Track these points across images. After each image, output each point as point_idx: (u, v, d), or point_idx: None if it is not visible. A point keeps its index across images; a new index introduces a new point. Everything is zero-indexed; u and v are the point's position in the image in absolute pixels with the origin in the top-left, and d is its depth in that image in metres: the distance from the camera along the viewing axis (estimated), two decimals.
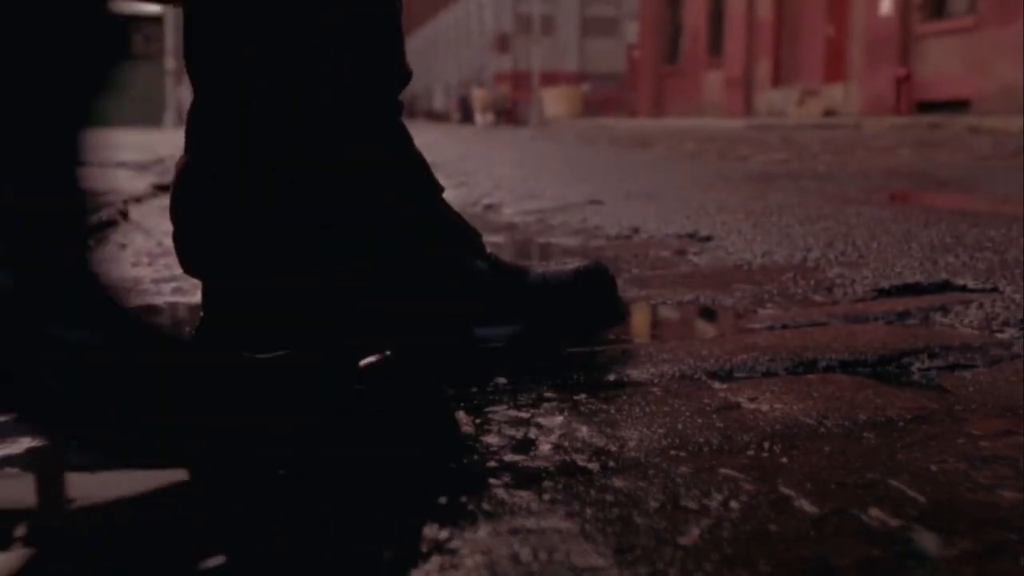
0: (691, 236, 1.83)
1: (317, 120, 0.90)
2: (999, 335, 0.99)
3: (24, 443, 0.72)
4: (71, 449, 0.72)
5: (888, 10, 16.85)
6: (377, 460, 0.68)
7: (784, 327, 1.05)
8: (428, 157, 3.35)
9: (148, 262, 1.78)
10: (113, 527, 0.59)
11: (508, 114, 31.93)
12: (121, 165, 4.96)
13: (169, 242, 2.03)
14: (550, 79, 32.49)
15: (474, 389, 0.83)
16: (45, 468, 0.70)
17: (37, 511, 0.63)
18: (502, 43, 40.01)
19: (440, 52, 56.03)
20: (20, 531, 0.57)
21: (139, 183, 3.62)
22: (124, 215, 2.52)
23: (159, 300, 1.39)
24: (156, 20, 29.58)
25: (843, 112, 18.12)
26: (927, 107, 16.00)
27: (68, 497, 0.66)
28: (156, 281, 1.55)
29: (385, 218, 0.93)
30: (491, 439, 0.70)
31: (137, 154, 6.19)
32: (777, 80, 21.28)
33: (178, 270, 1.68)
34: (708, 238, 1.77)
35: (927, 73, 16.19)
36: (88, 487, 0.66)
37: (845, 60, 18.72)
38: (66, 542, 0.56)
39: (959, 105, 15.19)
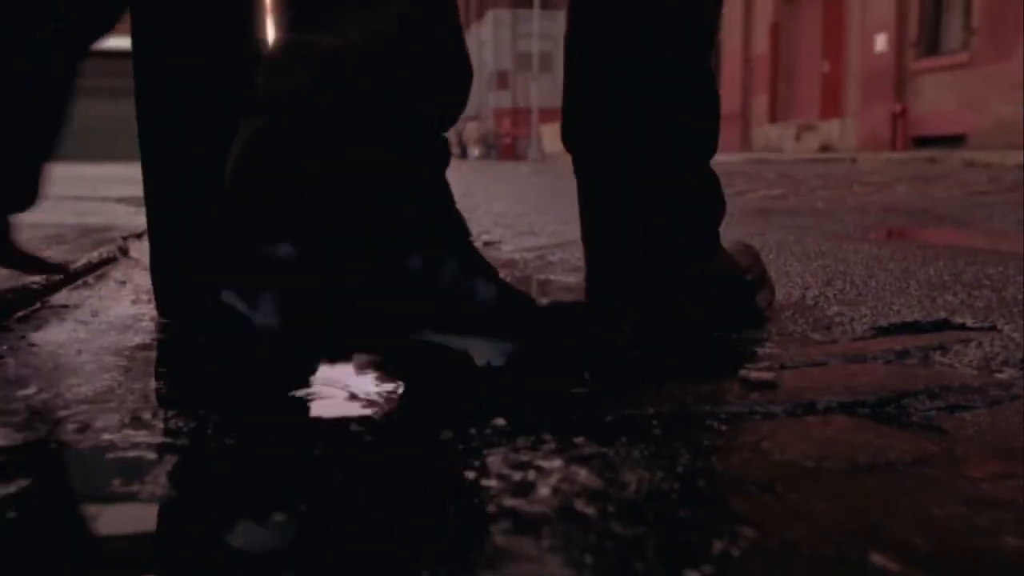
0: None
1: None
2: (998, 375, 0.99)
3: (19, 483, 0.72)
4: None
5: (883, 47, 17.03)
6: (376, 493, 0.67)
7: (783, 367, 1.05)
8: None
9: (148, 299, 1.78)
10: None
11: (506, 149, 32.27)
12: (121, 200, 4.98)
13: None
14: (549, 115, 32.68)
15: (472, 431, 0.83)
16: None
17: None
18: (502, 80, 40.34)
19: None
20: None
21: (139, 219, 3.63)
22: (124, 251, 2.53)
23: (157, 339, 1.39)
24: None
25: (840, 147, 18.24)
26: (923, 142, 16.11)
27: None
28: (155, 319, 1.55)
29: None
30: (489, 482, 0.70)
31: (138, 189, 6.21)
32: (774, 116, 21.44)
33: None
34: None
35: (923, 109, 16.32)
36: None
37: (841, 96, 18.88)
38: None
39: (955, 140, 15.30)
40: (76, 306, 1.67)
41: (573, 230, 2.74)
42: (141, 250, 2.67)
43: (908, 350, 1.10)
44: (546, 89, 33.92)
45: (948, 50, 16.01)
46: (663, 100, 1.25)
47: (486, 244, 2.63)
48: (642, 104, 1.25)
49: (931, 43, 16.37)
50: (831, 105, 19.46)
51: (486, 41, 43.75)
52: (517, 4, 34.24)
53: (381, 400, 0.95)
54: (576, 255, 2.22)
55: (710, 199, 1.38)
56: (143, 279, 2.09)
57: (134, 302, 1.74)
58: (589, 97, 1.28)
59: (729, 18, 22.12)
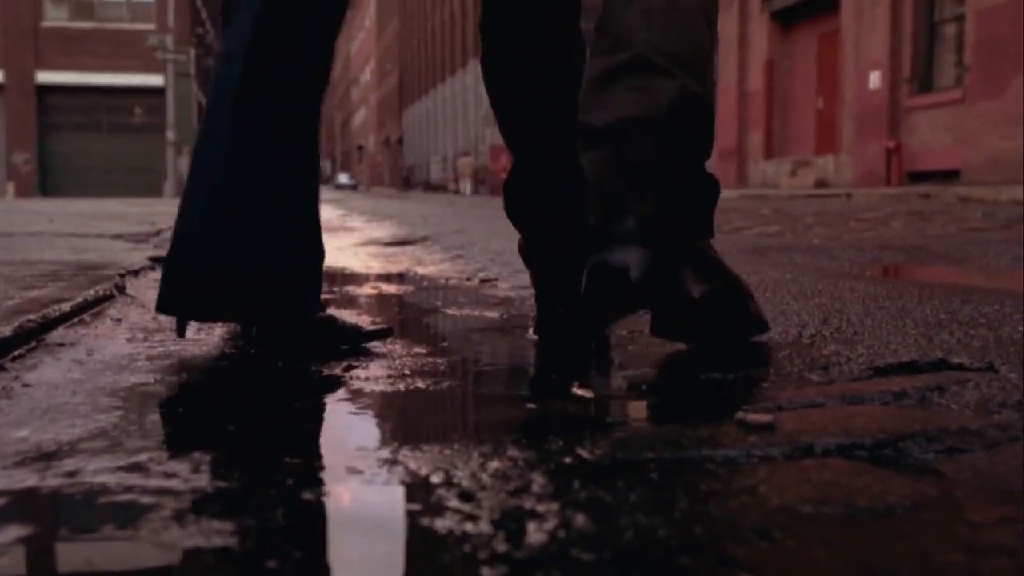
0: None
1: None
2: (996, 417, 0.99)
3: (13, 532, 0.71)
4: None
5: (877, 84, 17.17)
6: None
7: (780, 408, 1.05)
8: (425, 230, 3.42)
9: (143, 338, 1.78)
10: None
11: (501, 183, 32.34)
12: (118, 237, 4.99)
13: (164, 317, 2.03)
14: None
15: (464, 475, 0.82)
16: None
17: None
18: None
19: (438, 125, 56.72)
20: None
21: (136, 256, 3.63)
22: (120, 288, 2.52)
23: (153, 378, 1.38)
24: (158, 92, 30.00)
25: (835, 183, 18.33)
26: (918, 177, 16.21)
27: None
28: (151, 358, 1.54)
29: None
30: (483, 527, 0.69)
31: (135, 226, 6.22)
32: (769, 152, 21.57)
33: (173, 346, 1.68)
34: None
35: (917, 144, 16.43)
36: None
37: (836, 132, 19.01)
38: None
39: (949, 175, 15.39)
40: (72, 344, 1.67)
41: None
42: (138, 287, 2.67)
43: (905, 391, 1.10)
44: None
45: (941, 87, 16.16)
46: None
47: (483, 281, 2.63)
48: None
49: (924, 80, 16.52)
50: (826, 141, 19.58)
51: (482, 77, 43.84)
52: None
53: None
54: None
55: (710, 183, 1.67)
56: (139, 317, 2.08)
57: (129, 340, 1.74)
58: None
59: (724, 55, 22.32)
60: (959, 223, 5.06)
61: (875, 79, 17.16)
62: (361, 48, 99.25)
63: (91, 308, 2.14)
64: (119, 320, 2.01)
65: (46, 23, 32.43)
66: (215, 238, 1.57)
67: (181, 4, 30.91)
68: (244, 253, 1.56)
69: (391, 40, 75.97)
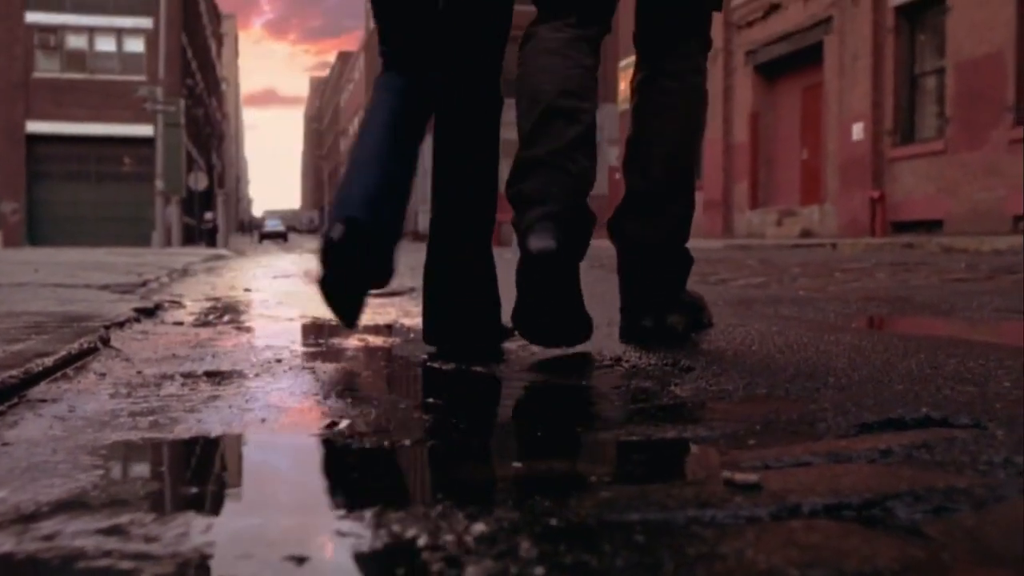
0: (673, 365, 1.83)
1: None
2: (984, 475, 0.98)
3: None
4: None
5: (860, 135, 17.40)
6: None
7: (767, 467, 1.04)
8: (412, 280, 3.39)
9: (127, 393, 1.76)
10: None
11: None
12: (105, 288, 4.97)
13: (149, 371, 2.01)
14: None
15: (450, 538, 0.81)
16: None
17: None
18: None
19: (426, 175, 56.93)
20: None
21: (122, 307, 3.61)
22: (105, 341, 2.51)
23: (135, 436, 1.37)
24: (147, 142, 30.13)
25: (820, 232, 18.48)
26: (901, 227, 16.36)
27: None
28: (134, 415, 1.53)
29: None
30: None
31: (122, 276, 6.20)
32: (755, 202, 21.76)
33: (156, 402, 1.67)
34: (690, 368, 1.77)
35: (900, 195, 16.61)
36: None
37: (821, 182, 19.20)
38: None
39: (932, 224, 15.55)
40: (54, 400, 1.65)
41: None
42: (122, 339, 2.66)
43: (892, 449, 1.10)
44: None
45: (923, 138, 16.38)
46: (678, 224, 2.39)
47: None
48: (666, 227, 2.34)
49: (906, 132, 16.75)
50: (811, 191, 19.77)
51: None
52: (506, 92, 34.92)
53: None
54: (562, 348, 2.22)
55: (688, 259, 2.38)
56: (123, 371, 2.07)
57: (112, 396, 1.72)
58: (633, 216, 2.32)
59: (710, 107, 22.50)
60: (943, 274, 5.10)
61: (858, 131, 17.39)
62: (351, 99, 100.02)
63: (75, 362, 2.13)
64: (103, 374, 2.00)
65: (37, 74, 32.64)
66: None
67: (172, 56, 31.19)
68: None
69: None
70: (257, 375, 1.96)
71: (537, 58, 2.14)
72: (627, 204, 2.29)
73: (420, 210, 51.88)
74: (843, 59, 17.83)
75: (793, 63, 20.31)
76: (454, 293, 2.24)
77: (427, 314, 2.29)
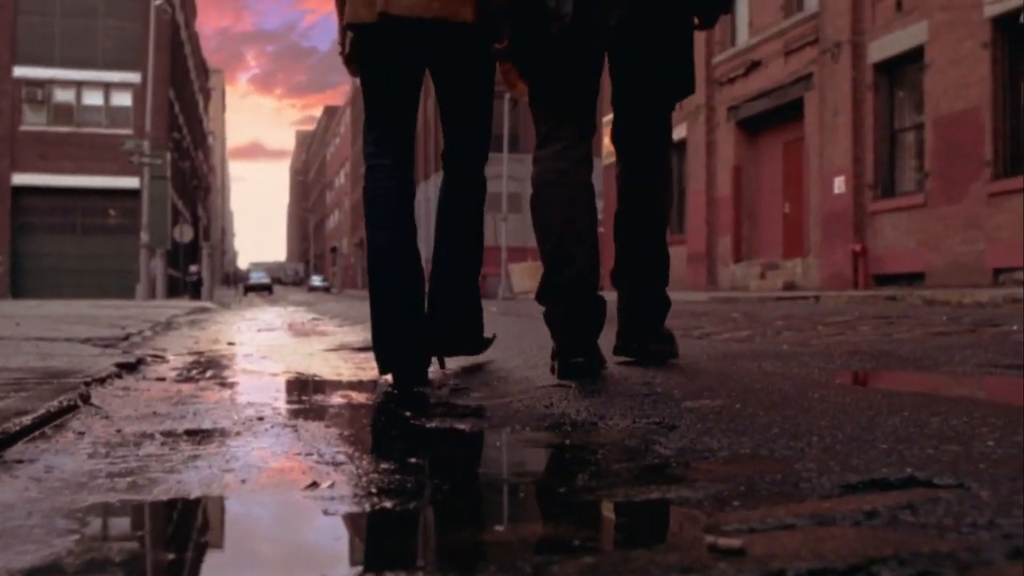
0: (657, 424, 1.82)
1: None
2: (968, 537, 0.98)
3: None
4: None
5: (841, 189, 17.61)
6: None
7: (752, 530, 1.03)
8: None
9: (106, 453, 1.74)
10: None
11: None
12: (87, 341, 4.93)
13: (128, 429, 1.99)
14: (518, 254, 33.18)
15: None
16: None
17: None
18: None
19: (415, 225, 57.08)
20: None
21: (104, 362, 3.58)
22: (85, 398, 2.48)
23: (113, 498, 1.35)
24: (133, 194, 30.14)
25: (804, 285, 18.59)
26: (884, 279, 16.49)
27: None
28: (112, 475, 1.51)
29: None
30: None
31: (105, 329, 6.16)
32: (739, 255, 21.91)
33: (135, 463, 1.65)
34: (673, 427, 1.76)
35: (882, 248, 16.77)
36: None
37: (803, 236, 19.38)
38: None
39: (914, 277, 15.68)
40: (31, 461, 1.63)
41: (540, 376, 2.74)
42: (103, 396, 2.63)
43: (877, 510, 1.09)
44: (515, 229, 34.54)
45: (903, 192, 16.59)
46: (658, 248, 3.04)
47: (453, 391, 2.61)
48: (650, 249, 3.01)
49: (887, 186, 16.96)
50: (794, 244, 19.94)
51: None
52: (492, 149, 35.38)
53: None
54: (543, 403, 2.21)
55: (667, 303, 3.05)
56: (102, 429, 2.04)
57: (91, 456, 1.70)
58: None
59: (693, 162, 22.86)
60: (925, 327, 5.13)
61: (839, 184, 17.61)
62: (336, 153, 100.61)
63: (53, 420, 2.10)
64: (82, 433, 1.97)
65: (24, 127, 32.75)
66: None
67: (159, 110, 31.36)
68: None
69: None
70: (239, 433, 1.94)
71: (545, 190, 2.76)
72: (620, 265, 3.03)
73: None
74: (823, 115, 18.10)
75: (775, 118, 20.61)
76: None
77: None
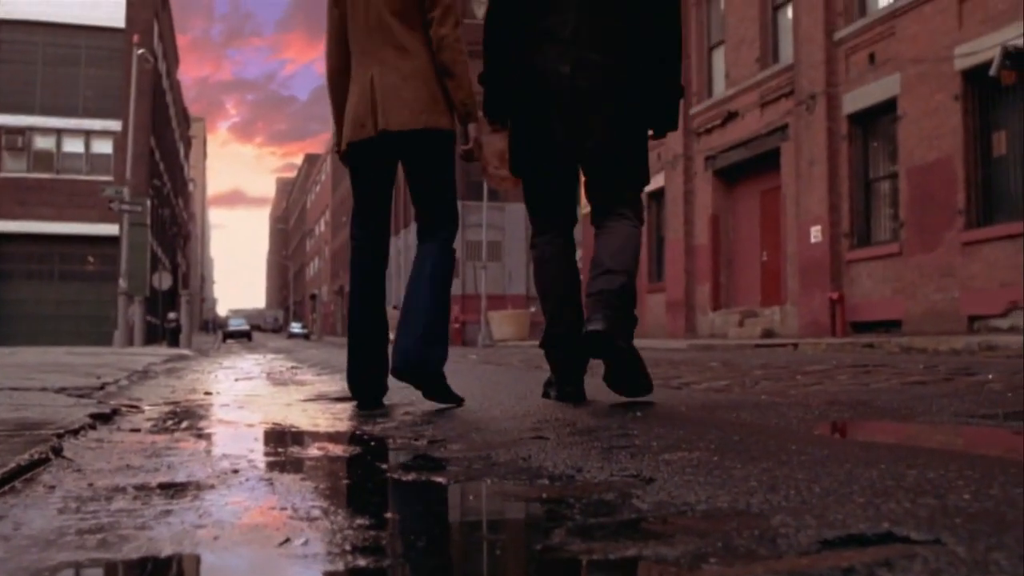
0: (635, 477, 1.81)
1: None
2: None
3: None
4: None
5: (818, 238, 17.78)
6: None
7: None
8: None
9: (76, 508, 1.71)
10: None
11: (455, 334, 32.91)
12: (62, 391, 4.87)
13: (101, 483, 1.96)
14: (498, 302, 33.21)
15: None
16: None
17: None
18: None
19: (391, 276, 57.23)
20: None
21: (77, 413, 3.53)
22: (57, 451, 2.44)
23: (81, 556, 1.32)
24: (112, 240, 30.02)
25: (782, 332, 18.67)
26: (861, 327, 16.59)
27: None
28: (81, 532, 1.48)
29: None
30: None
31: (80, 378, 6.09)
32: (717, 303, 22.02)
33: (106, 519, 1.62)
34: (651, 480, 1.76)
35: (858, 296, 16.90)
36: None
37: (781, 284, 19.51)
38: None
39: (891, 324, 15.79)
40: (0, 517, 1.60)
41: (518, 426, 2.73)
42: (76, 448, 2.59)
43: (854, 567, 1.09)
44: (495, 277, 34.62)
45: (879, 241, 16.77)
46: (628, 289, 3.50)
47: (431, 443, 2.60)
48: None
49: (863, 234, 17.15)
50: (772, 292, 20.07)
51: None
52: (467, 196, 35.68)
53: None
54: (521, 455, 2.20)
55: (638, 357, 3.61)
56: (74, 483, 2.01)
57: (61, 511, 1.67)
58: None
59: (672, 211, 23.06)
60: (902, 376, 5.15)
61: (816, 233, 17.79)
62: (317, 200, 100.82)
63: (24, 474, 2.07)
64: (52, 487, 1.94)
65: (3, 174, 32.66)
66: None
67: (139, 158, 31.39)
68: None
69: (347, 193, 77.40)
70: (213, 487, 1.92)
71: (543, 266, 3.74)
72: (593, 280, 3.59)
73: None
74: (799, 164, 18.34)
75: (751, 168, 20.87)
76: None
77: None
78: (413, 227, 39.93)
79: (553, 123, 3.55)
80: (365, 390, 3.86)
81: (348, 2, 3.91)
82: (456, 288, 39.97)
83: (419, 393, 3.85)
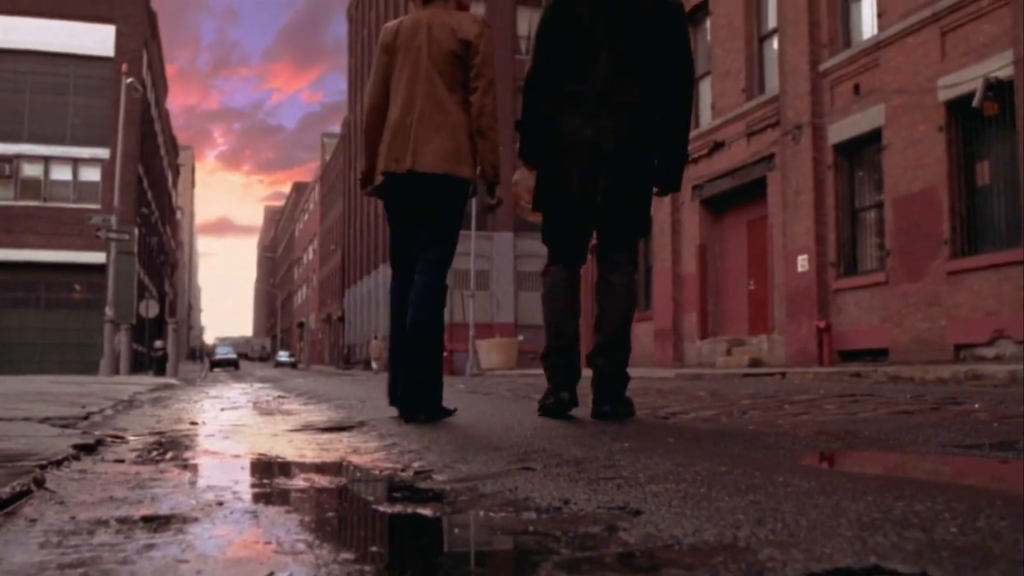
0: (621, 509, 1.81)
1: None
2: None
3: None
4: None
5: (805, 267, 17.86)
6: None
7: None
8: (362, 414, 3.38)
9: (57, 542, 1.69)
10: None
11: (444, 362, 32.94)
12: (46, 420, 4.82)
13: (83, 515, 1.94)
14: (485, 330, 33.17)
15: None
16: None
17: None
18: None
19: (379, 304, 57.15)
20: None
21: (61, 443, 3.50)
22: (40, 483, 2.42)
23: None
24: (99, 269, 29.90)
25: (770, 361, 18.69)
26: (848, 355, 16.63)
27: None
28: (62, 567, 1.46)
29: None
30: None
31: (65, 408, 6.03)
32: (704, 331, 22.03)
33: (88, 553, 1.60)
34: (638, 512, 1.75)
35: (845, 325, 16.95)
36: None
37: (768, 312, 19.56)
38: None
39: (878, 353, 15.83)
40: None
41: (506, 457, 2.72)
42: (59, 480, 2.56)
43: None
44: (483, 305, 34.60)
45: (865, 270, 16.87)
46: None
47: (417, 474, 2.58)
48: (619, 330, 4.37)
49: (849, 263, 17.25)
50: (759, 321, 20.12)
51: None
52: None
53: None
54: (508, 487, 2.19)
55: (627, 377, 4.35)
56: (56, 516, 1.99)
57: (42, 545, 1.65)
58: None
59: (659, 241, 23.15)
60: (889, 406, 5.16)
61: (803, 262, 17.87)
62: (305, 229, 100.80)
63: (5, 507, 2.05)
64: (34, 520, 1.92)
65: None
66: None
67: (127, 186, 31.37)
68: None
69: (335, 222, 77.51)
70: (197, 519, 1.90)
71: (551, 291, 4.39)
72: (596, 348, 4.32)
73: (372, 339, 51.75)
74: (786, 194, 18.46)
75: (738, 197, 20.99)
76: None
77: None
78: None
79: (571, 175, 4.21)
80: (396, 401, 4.56)
81: (399, 53, 4.50)
82: (444, 317, 40.03)
83: (404, 428, 3.82)
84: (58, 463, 2.89)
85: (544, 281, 4.42)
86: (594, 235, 4.47)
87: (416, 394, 4.37)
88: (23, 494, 2.21)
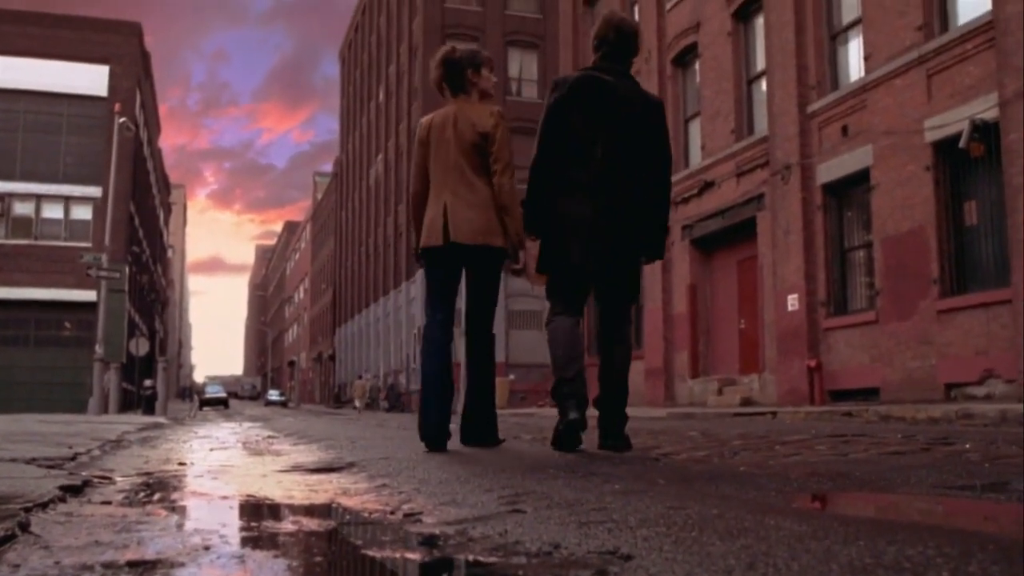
0: (612, 553, 1.80)
1: None
2: None
3: None
4: None
5: (795, 306, 17.90)
6: None
7: None
8: (352, 455, 3.35)
9: None
10: None
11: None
12: (32, 461, 4.77)
13: (68, 560, 1.92)
14: None
15: None
16: None
17: None
18: None
19: (370, 342, 57.04)
20: None
21: (47, 484, 3.46)
22: (24, 527, 2.39)
23: None
24: (90, 306, 29.78)
25: (761, 400, 18.67)
26: (839, 395, 16.62)
27: None
28: None
29: None
30: None
31: (52, 448, 5.97)
32: (696, 371, 22.01)
33: None
34: (629, 556, 1.74)
35: (836, 364, 16.96)
36: None
37: (759, 352, 19.56)
38: None
39: (869, 392, 15.83)
40: None
41: (496, 499, 2.70)
42: (43, 523, 2.53)
43: None
44: None
45: (855, 309, 16.92)
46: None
47: (406, 516, 2.56)
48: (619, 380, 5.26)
49: (839, 303, 17.30)
50: (750, 360, 20.12)
51: (415, 297, 44.98)
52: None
53: None
54: (498, 530, 2.18)
55: (625, 417, 5.22)
56: (39, 560, 1.96)
57: None
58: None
59: (650, 280, 23.21)
60: (880, 446, 5.16)
61: (793, 301, 17.92)
62: (296, 267, 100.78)
63: None
64: (17, 566, 1.89)
65: None
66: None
67: (118, 224, 31.36)
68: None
69: (326, 260, 77.52)
70: (183, 564, 1.88)
71: (557, 333, 5.04)
72: (600, 396, 5.13)
73: (365, 376, 51.57)
74: (775, 234, 18.56)
75: (728, 237, 21.08)
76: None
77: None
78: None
79: (572, 246, 4.99)
80: (433, 436, 5.11)
81: (433, 144, 5.36)
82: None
83: (396, 455, 3.94)
84: (43, 505, 2.86)
85: (549, 327, 5.15)
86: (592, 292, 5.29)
87: (486, 428, 5.48)
88: (7, 539, 2.19)
